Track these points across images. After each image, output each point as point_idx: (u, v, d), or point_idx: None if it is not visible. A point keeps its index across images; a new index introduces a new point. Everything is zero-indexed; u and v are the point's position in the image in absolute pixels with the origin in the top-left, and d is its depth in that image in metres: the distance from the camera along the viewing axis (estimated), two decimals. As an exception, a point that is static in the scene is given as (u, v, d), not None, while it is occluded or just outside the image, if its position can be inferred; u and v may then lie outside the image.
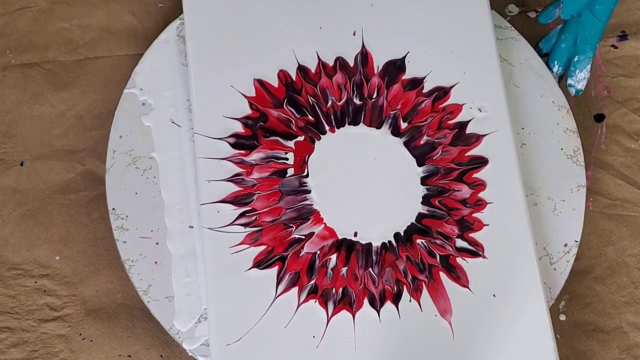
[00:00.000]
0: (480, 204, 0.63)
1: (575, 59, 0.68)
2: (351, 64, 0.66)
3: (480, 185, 0.63)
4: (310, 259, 0.61)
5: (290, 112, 0.64)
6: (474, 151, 0.64)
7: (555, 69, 0.70)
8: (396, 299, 0.60)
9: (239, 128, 0.63)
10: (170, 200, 0.64)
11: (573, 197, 0.66)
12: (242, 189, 0.62)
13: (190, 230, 0.63)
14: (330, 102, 0.65)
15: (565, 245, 0.65)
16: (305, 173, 0.63)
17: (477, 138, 0.65)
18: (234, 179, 0.62)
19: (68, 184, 0.69)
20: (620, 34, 0.75)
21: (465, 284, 0.61)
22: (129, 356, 0.64)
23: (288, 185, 0.62)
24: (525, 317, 0.60)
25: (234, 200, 0.61)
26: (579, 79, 0.69)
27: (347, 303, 0.60)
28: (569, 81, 0.69)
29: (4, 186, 0.69)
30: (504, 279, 0.61)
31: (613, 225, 0.69)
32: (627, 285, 0.67)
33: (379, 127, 0.65)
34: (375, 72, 0.66)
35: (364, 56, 0.66)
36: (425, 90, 0.66)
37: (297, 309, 0.59)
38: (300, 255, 0.61)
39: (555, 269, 0.64)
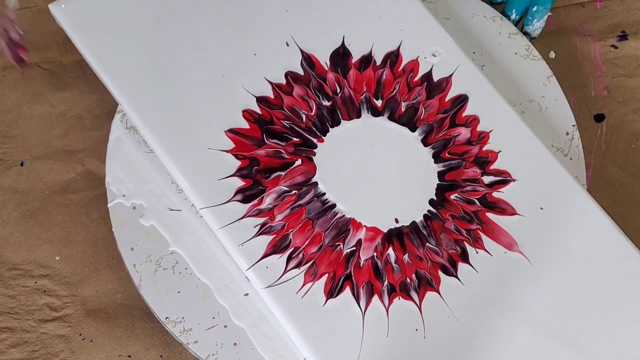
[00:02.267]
0: (483, 137, 0.64)
1: (534, 8, 0.71)
2: (301, 72, 0.65)
3: (474, 120, 0.65)
4: (372, 263, 0.60)
5: (275, 144, 0.63)
6: (451, 93, 0.65)
7: (512, 17, 0.72)
8: (464, 257, 0.61)
9: (238, 183, 0.62)
10: (213, 281, 0.62)
11: (548, 89, 0.69)
12: (275, 235, 0.61)
13: (248, 297, 0.62)
14: (304, 117, 0.64)
15: (567, 133, 0.68)
16: (320, 191, 0.62)
17: (446, 81, 0.66)
18: (264, 231, 0.61)
19: (68, 184, 0.69)
20: (620, 34, 0.76)
21: (512, 212, 0.62)
22: (129, 356, 0.64)
23: (313, 210, 0.62)
24: (575, 212, 0.62)
25: (274, 249, 0.60)
26: (535, 28, 0.72)
27: (427, 284, 0.60)
28: (525, 29, 0.72)
29: (4, 186, 0.69)
30: (540, 189, 0.63)
31: (613, 225, 0.70)
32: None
33: (358, 116, 0.65)
34: (327, 68, 0.66)
35: (308, 60, 0.66)
36: (378, 63, 0.66)
37: (387, 313, 0.59)
38: (362, 265, 0.60)
39: (571, 159, 0.67)
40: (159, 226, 0.63)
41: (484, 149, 0.64)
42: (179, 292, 0.62)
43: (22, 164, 0.69)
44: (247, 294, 0.62)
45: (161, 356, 0.64)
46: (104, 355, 0.64)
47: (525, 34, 0.72)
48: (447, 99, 0.65)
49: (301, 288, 0.59)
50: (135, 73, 0.64)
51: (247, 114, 0.64)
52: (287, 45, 0.66)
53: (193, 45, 0.65)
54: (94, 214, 0.68)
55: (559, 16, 0.76)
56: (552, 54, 0.74)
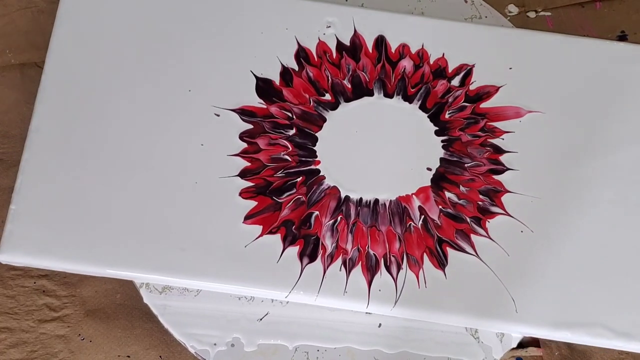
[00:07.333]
0: (422, 54, 0.66)
1: None
2: (250, 126, 0.64)
3: (404, 47, 0.66)
4: (446, 215, 0.62)
5: (289, 197, 0.62)
6: (368, 43, 0.67)
7: None
8: (499, 150, 0.64)
9: (294, 250, 0.61)
10: (349, 340, 0.62)
11: None
12: (360, 261, 0.61)
13: (384, 326, 0.62)
14: (287, 157, 0.64)
15: (466, 1, 0.71)
16: (355, 199, 0.62)
17: (356, 37, 0.67)
18: (349, 267, 0.61)
19: (66, 183, 0.69)
20: (620, 34, 0.76)
21: (495, 88, 0.65)
22: (128, 356, 0.66)
23: (366, 217, 0.62)
24: (532, 47, 0.66)
25: (370, 272, 0.60)
26: None
27: (495, 192, 0.63)
28: None
29: (4, 186, 0.69)
30: (493, 55, 0.66)
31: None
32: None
33: (324, 120, 0.65)
34: (264, 106, 0.65)
35: (244, 112, 0.64)
36: (296, 68, 0.66)
37: (492, 239, 0.61)
38: (441, 224, 0.62)
39: (486, 17, 0.71)
40: (265, 340, 0.62)
41: (431, 62, 0.66)
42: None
43: None
44: (380, 325, 0.62)
45: (160, 356, 0.65)
46: (103, 356, 0.65)
47: None
48: (370, 50, 0.66)
49: (418, 282, 0.60)
50: (126, 245, 0.61)
51: (245, 193, 0.62)
52: (218, 115, 0.64)
53: (153, 168, 0.62)
54: (94, 214, 0.69)
55: (559, 16, 0.77)
56: None
